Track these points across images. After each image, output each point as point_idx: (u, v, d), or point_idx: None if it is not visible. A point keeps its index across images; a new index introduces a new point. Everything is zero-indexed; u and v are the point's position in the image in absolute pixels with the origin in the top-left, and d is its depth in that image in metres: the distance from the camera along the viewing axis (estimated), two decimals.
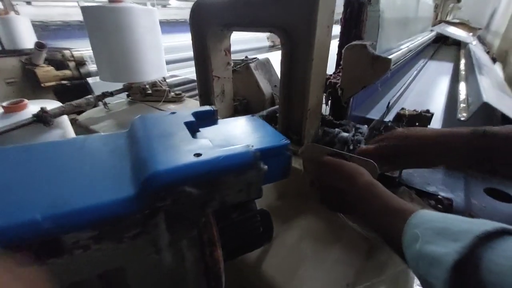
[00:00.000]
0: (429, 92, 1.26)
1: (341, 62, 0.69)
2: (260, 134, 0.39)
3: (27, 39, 2.09)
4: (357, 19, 0.76)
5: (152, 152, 0.29)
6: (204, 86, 0.84)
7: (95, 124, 1.02)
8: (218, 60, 0.80)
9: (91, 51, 1.09)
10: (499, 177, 0.59)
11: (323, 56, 0.61)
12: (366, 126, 0.74)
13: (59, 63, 1.95)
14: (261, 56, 0.98)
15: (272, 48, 3.72)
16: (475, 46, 2.27)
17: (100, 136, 0.36)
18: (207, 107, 0.42)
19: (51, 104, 0.92)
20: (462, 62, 1.71)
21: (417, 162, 0.49)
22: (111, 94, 1.13)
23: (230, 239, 0.35)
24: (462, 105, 0.84)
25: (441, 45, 2.86)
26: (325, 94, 0.74)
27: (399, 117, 0.81)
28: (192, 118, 0.38)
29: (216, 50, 0.78)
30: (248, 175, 0.30)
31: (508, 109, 0.67)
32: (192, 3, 0.75)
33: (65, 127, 0.94)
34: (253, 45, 3.39)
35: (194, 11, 0.74)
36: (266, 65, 0.97)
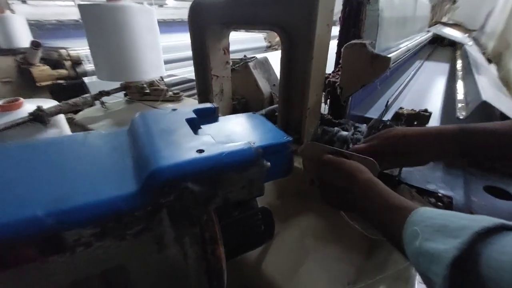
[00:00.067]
0: (427, 91, 1.26)
1: (340, 61, 0.69)
2: (262, 131, 0.39)
3: (23, 38, 2.06)
4: (356, 18, 0.76)
5: (155, 148, 0.29)
6: (202, 85, 0.84)
7: (92, 123, 1.01)
8: (217, 59, 0.80)
9: (88, 51, 1.08)
10: (498, 174, 0.59)
11: (322, 54, 0.61)
12: (365, 125, 0.74)
13: (55, 63, 1.93)
14: (258, 57, 0.98)
15: (269, 48, 3.72)
16: (471, 47, 2.29)
17: (100, 133, 0.36)
18: (208, 104, 0.42)
19: (48, 103, 0.91)
20: (459, 62, 1.73)
21: (405, 160, 0.49)
22: (108, 93, 1.12)
23: (232, 237, 0.35)
24: (461, 104, 0.84)
25: (437, 46, 2.88)
26: (324, 93, 0.74)
27: (398, 116, 0.81)
28: (193, 115, 0.37)
29: (215, 49, 0.78)
30: (250, 172, 0.29)
31: (506, 107, 0.67)
32: (189, 3, 0.74)
33: (62, 126, 0.93)
34: (250, 45, 3.39)
35: (193, 10, 0.74)
36: (264, 64, 0.97)
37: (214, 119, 0.42)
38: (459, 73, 1.39)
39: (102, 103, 1.13)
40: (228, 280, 0.34)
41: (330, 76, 0.77)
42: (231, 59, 0.87)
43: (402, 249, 0.31)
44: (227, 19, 0.69)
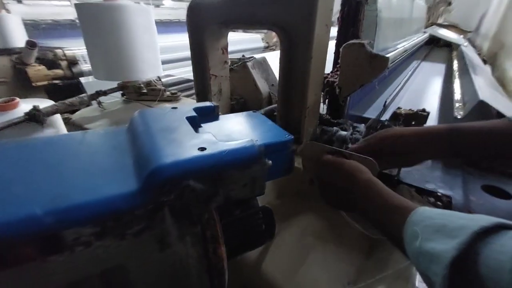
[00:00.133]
0: (424, 91, 1.27)
1: (339, 61, 0.70)
2: (263, 129, 0.39)
3: (18, 38, 2.04)
4: (354, 18, 0.77)
5: (155, 146, 0.28)
6: (201, 85, 0.83)
7: (89, 123, 1.01)
8: (215, 58, 0.79)
9: (84, 51, 1.07)
10: (496, 174, 0.60)
11: (321, 54, 0.61)
12: (363, 124, 0.74)
13: (50, 62, 1.92)
14: (256, 57, 0.98)
15: (266, 49, 3.72)
16: (466, 47, 2.31)
17: (99, 131, 0.35)
18: (208, 103, 0.42)
19: (44, 103, 0.90)
20: (455, 62, 1.74)
21: (403, 160, 0.49)
22: (105, 93, 1.11)
23: (233, 236, 0.35)
24: (458, 104, 0.85)
25: (433, 47, 2.91)
26: (322, 93, 0.75)
27: (396, 116, 0.81)
28: (193, 113, 0.37)
29: (213, 48, 0.77)
30: (252, 170, 0.29)
31: (503, 106, 0.68)
32: (186, 3, 0.74)
33: (58, 126, 0.92)
34: (248, 46, 3.39)
35: (191, 9, 0.73)
36: (263, 64, 0.97)
37: (215, 118, 0.42)
38: (456, 74, 1.40)
39: (99, 103, 1.12)
40: (228, 280, 0.33)
41: (329, 76, 0.77)
42: (230, 59, 0.87)
43: (403, 248, 0.31)
44: (225, 18, 0.69)
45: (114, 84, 1.19)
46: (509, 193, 0.54)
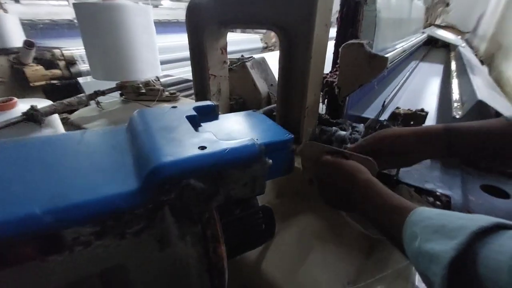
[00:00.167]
0: (422, 91, 1.28)
1: (338, 61, 0.70)
2: (263, 128, 0.38)
3: (16, 38, 2.03)
4: (353, 19, 0.77)
5: (156, 145, 0.28)
6: (200, 85, 0.83)
7: (87, 123, 1.00)
8: (215, 58, 0.79)
9: (82, 51, 1.07)
10: (494, 174, 0.60)
11: (321, 54, 0.61)
12: (362, 124, 0.74)
13: (48, 62, 1.90)
14: (255, 57, 0.98)
15: (265, 49, 3.72)
16: (464, 48, 2.32)
17: (98, 131, 0.35)
18: (207, 102, 0.42)
19: (42, 103, 0.89)
20: (453, 63, 1.75)
21: (402, 160, 0.50)
22: (103, 93, 1.10)
23: (233, 236, 0.35)
24: (456, 103, 0.85)
25: (431, 48, 2.92)
26: (321, 93, 0.75)
27: (394, 116, 0.82)
28: (193, 113, 0.37)
29: (212, 48, 0.77)
30: (253, 169, 0.29)
31: (501, 106, 0.68)
32: (185, 3, 0.74)
33: (56, 126, 0.92)
34: (247, 46, 3.39)
35: (190, 9, 0.73)
36: (262, 64, 0.97)
37: (215, 117, 0.42)
38: (454, 74, 1.41)
39: (98, 103, 1.11)
40: (228, 280, 0.33)
41: (328, 76, 0.77)
42: (229, 59, 0.87)
43: (403, 248, 0.31)
44: (224, 18, 0.69)
45: (112, 84, 1.18)
46: (507, 193, 0.55)
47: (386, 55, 0.64)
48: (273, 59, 1.01)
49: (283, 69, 0.62)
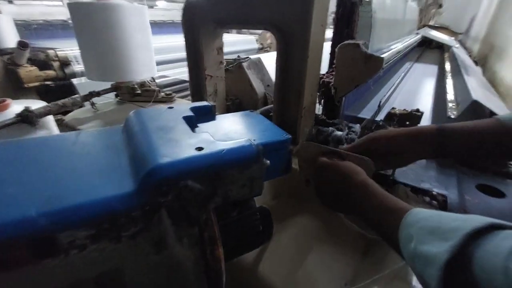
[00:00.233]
0: (417, 92, 1.29)
1: (334, 61, 0.70)
2: (260, 129, 0.38)
3: (9, 38, 2.00)
4: (349, 19, 0.77)
5: (152, 146, 0.28)
6: (196, 85, 0.83)
7: (82, 124, 0.99)
8: (211, 59, 0.79)
9: (76, 51, 1.05)
10: (489, 173, 0.60)
11: (317, 54, 0.61)
12: (358, 125, 0.74)
13: (42, 63, 1.88)
14: (251, 57, 0.98)
15: (260, 50, 3.72)
16: (458, 49, 2.35)
17: (94, 131, 0.35)
18: (204, 103, 0.41)
19: (36, 104, 0.88)
20: (448, 64, 1.77)
21: (399, 160, 0.50)
22: (98, 94, 1.09)
23: (231, 238, 0.34)
24: (451, 104, 0.86)
25: (425, 49, 2.94)
26: (318, 93, 0.75)
27: (390, 116, 0.82)
28: (190, 113, 0.36)
29: (208, 48, 0.77)
30: (251, 170, 0.29)
31: (495, 106, 0.69)
32: (180, 4, 0.74)
33: (51, 128, 0.91)
34: (242, 47, 3.38)
35: (186, 9, 0.73)
36: (258, 64, 0.97)
37: (211, 117, 0.41)
38: (448, 74, 1.42)
39: (92, 104, 1.10)
40: (226, 282, 0.33)
41: (324, 77, 0.77)
42: (225, 59, 0.87)
43: (399, 250, 0.31)
44: (221, 18, 0.69)
45: (107, 85, 1.17)
46: (503, 192, 0.55)
47: (382, 56, 0.64)
48: (269, 60, 1.01)
49: (280, 69, 0.62)
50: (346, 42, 0.66)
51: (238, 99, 0.94)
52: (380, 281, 0.46)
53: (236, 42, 3.42)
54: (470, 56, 2.47)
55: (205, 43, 0.75)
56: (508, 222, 0.25)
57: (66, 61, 1.94)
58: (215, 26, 0.72)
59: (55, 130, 0.93)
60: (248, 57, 0.94)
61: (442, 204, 0.53)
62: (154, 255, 0.27)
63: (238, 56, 0.94)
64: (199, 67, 0.78)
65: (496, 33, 2.43)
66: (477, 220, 0.25)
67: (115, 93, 1.21)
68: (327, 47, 0.69)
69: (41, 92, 1.88)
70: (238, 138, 0.31)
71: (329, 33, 0.71)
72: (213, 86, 0.83)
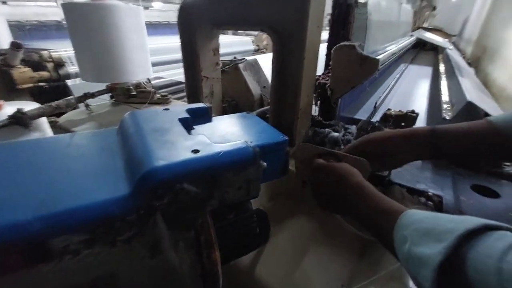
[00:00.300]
0: (412, 93, 1.30)
1: (330, 62, 0.70)
2: (257, 130, 0.38)
3: (3, 39, 1.98)
4: (345, 21, 0.77)
5: (147, 148, 0.27)
6: (192, 87, 0.82)
7: (76, 126, 0.98)
8: (207, 60, 0.79)
9: (71, 52, 1.04)
10: (484, 174, 0.61)
11: (313, 55, 0.61)
12: (354, 126, 0.75)
13: (36, 64, 1.86)
14: (247, 59, 0.98)
15: (256, 51, 3.73)
16: (452, 51, 2.38)
17: (88, 133, 0.34)
18: (200, 104, 0.41)
19: (29, 106, 0.87)
20: (442, 65, 1.78)
21: (395, 161, 0.50)
22: (93, 95, 1.08)
23: (227, 240, 0.34)
24: (446, 105, 0.87)
25: (420, 51, 2.97)
26: (314, 94, 0.75)
27: (386, 118, 0.82)
28: (186, 115, 0.36)
29: (205, 49, 0.77)
30: (247, 172, 0.29)
31: (489, 107, 0.69)
32: (176, 5, 0.73)
33: (44, 130, 0.90)
34: (238, 49, 3.39)
35: (182, 10, 0.73)
36: (254, 66, 0.97)
37: (208, 119, 0.41)
38: (443, 76, 1.43)
39: (87, 105, 1.09)
40: (222, 286, 0.33)
41: (320, 78, 0.77)
42: (221, 60, 0.86)
43: (395, 251, 0.31)
44: (217, 19, 0.69)
45: (102, 86, 1.16)
46: (497, 193, 0.55)
47: (377, 57, 0.64)
48: (265, 61, 1.01)
49: (276, 70, 0.62)
50: (342, 43, 0.67)
51: (235, 101, 0.94)
52: (376, 282, 0.46)
53: (232, 43, 3.42)
54: (464, 57, 2.50)
55: (201, 44, 0.75)
56: (502, 223, 0.25)
57: (60, 62, 1.92)
58: (211, 27, 0.72)
59: (48, 132, 0.92)
60: (244, 59, 0.94)
61: (438, 204, 0.53)
62: (149, 259, 0.27)
63: (234, 58, 0.94)
64: (195, 68, 0.78)
65: (488, 35, 2.46)
66: (470, 222, 0.25)
67: (110, 94, 1.20)
68: (323, 48, 0.69)
69: (35, 94, 1.86)
70: (234, 140, 0.31)
71: (325, 34, 0.72)
72: (209, 88, 0.83)
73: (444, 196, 0.54)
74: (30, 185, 0.24)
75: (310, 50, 0.58)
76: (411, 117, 0.80)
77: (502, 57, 1.98)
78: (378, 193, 0.39)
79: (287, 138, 0.37)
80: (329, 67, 0.72)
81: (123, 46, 1.01)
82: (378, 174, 0.58)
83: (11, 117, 0.78)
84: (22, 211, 0.21)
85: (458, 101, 0.81)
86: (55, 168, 0.27)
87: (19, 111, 0.79)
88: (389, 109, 0.83)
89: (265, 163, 0.30)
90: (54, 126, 1.00)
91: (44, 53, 1.87)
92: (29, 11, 3.34)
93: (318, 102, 0.80)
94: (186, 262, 0.29)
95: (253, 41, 3.76)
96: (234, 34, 4.17)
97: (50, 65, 1.89)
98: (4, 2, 3.37)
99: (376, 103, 0.97)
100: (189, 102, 0.87)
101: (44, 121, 0.91)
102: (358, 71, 0.66)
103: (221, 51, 0.82)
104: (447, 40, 3.27)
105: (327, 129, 0.70)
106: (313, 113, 0.76)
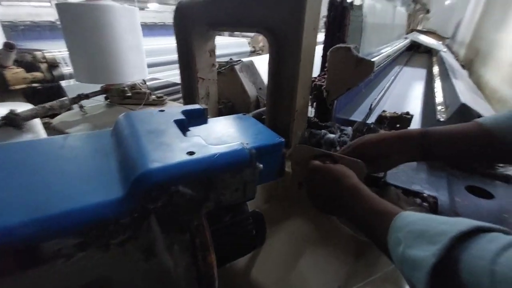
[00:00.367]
0: (407, 95, 1.31)
1: (326, 64, 0.70)
2: (253, 132, 0.38)
3: None
4: (340, 23, 0.78)
5: (143, 150, 0.27)
6: (188, 88, 0.82)
7: (70, 128, 0.97)
8: (203, 61, 0.78)
9: (65, 53, 1.03)
10: (478, 175, 0.61)
11: (309, 57, 0.61)
12: (350, 127, 0.75)
13: (29, 65, 1.84)
14: (244, 60, 0.98)
15: (253, 53, 3.74)
16: (445, 53, 2.40)
17: (82, 135, 0.34)
18: (196, 106, 0.41)
19: (22, 107, 0.86)
20: (436, 68, 1.80)
21: (390, 162, 0.50)
22: (87, 96, 1.07)
23: (223, 243, 0.34)
24: (440, 107, 0.87)
25: (414, 53, 3.00)
26: (310, 96, 0.75)
27: (381, 119, 0.83)
28: (182, 116, 0.36)
29: (201, 51, 0.76)
30: (244, 174, 0.28)
31: (482, 109, 0.70)
32: (172, 6, 0.73)
33: (38, 131, 0.88)
34: (235, 50, 3.39)
35: (178, 11, 0.72)
36: (250, 67, 0.97)
37: (203, 121, 0.41)
38: (437, 78, 1.45)
39: (81, 106, 1.08)
40: None
41: (316, 80, 0.77)
42: (217, 62, 0.86)
43: (389, 253, 0.31)
44: (213, 20, 0.68)
45: (97, 87, 1.15)
46: (491, 194, 0.56)
47: (372, 59, 0.65)
48: (261, 63, 1.01)
49: (272, 72, 0.62)
50: (337, 45, 0.67)
51: (231, 102, 0.94)
52: (373, 284, 0.46)
53: (228, 44, 3.42)
54: (457, 60, 2.53)
55: (197, 45, 0.74)
56: (495, 225, 0.25)
57: (54, 63, 1.90)
58: (208, 28, 0.72)
59: (42, 133, 0.91)
60: (240, 60, 0.94)
61: (433, 205, 0.53)
62: (143, 262, 0.26)
63: (231, 59, 0.94)
64: (191, 69, 0.77)
65: (481, 38, 2.49)
66: (463, 224, 0.25)
67: (104, 95, 1.19)
68: (319, 50, 0.70)
69: (28, 95, 1.83)
70: (230, 142, 0.31)
71: (320, 36, 0.72)
72: (205, 89, 0.82)
73: (439, 197, 0.54)
74: (22, 188, 0.24)
75: (306, 52, 0.58)
76: (406, 118, 0.80)
77: (494, 59, 2.01)
78: (373, 195, 0.39)
79: (283, 139, 0.37)
80: (325, 69, 0.72)
81: (118, 47, 1.00)
82: (374, 175, 0.58)
83: (4, 118, 0.77)
84: (13, 214, 0.20)
85: (452, 103, 0.82)
86: (48, 170, 0.27)
87: (12, 112, 0.78)
88: (384, 111, 0.84)
89: (261, 165, 0.30)
90: (47, 127, 0.98)
91: (38, 53, 1.85)
92: (23, 11, 3.31)
93: (314, 103, 0.80)
94: (181, 265, 0.29)
95: (249, 43, 3.76)
96: (230, 35, 4.18)
97: (43, 66, 1.86)
98: None
99: (371, 104, 0.98)
100: (185, 103, 0.87)
101: (37, 122, 0.90)
102: (354, 73, 0.66)
103: (217, 52, 0.82)
104: (440, 42, 3.31)
105: (323, 131, 0.70)
106: (309, 114, 0.76)
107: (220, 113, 0.92)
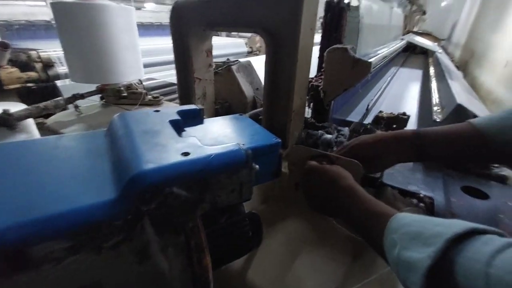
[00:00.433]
0: (403, 96, 1.31)
1: (323, 65, 0.70)
2: (250, 132, 0.38)
3: None
4: (337, 24, 0.78)
5: (136, 151, 0.26)
6: (184, 88, 0.81)
7: (65, 128, 0.96)
8: (200, 61, 0.78)
9: (60, 53, 1.02)
10: (473, 175, 0.62)
11: (306, 58, 0.61)
12: (347, 128, 0.75)
13: (24, 64, 1.82)
14: (241, 60, 0.97)
15: (250, 54, 3.74)
16: (441, 54, 2.42)
17: (76, 135, 0.33)
18: (192, 106, 0.40)
19: (16, 107, 0.85)
20: (432, 69, 1.82)
21: (387, 163, 0.51)
22: (82, 96, 1.06)
23: (219, 245, 0.33)
24: (436, 107, 0.88)
25: (410, 54, 3.02)
26: (307, 97, 0.75)
27: (378, 120, 0.83)
28: (177, 117, 0.35)
29: (197, 51, 0.76)
30: (240, 175, 0.28)
31: (477, 109, 0.70)
32: (168, 6, 0.73)
33: (31, 131, 0.87)
34: (232, 51, 3.39)
35: (175, 10, 0.72)
36: (247, 67, 0.97)
37: (199, 121, 0.40)
38: (433, 79, 1.46)
39: (76, 106, 1.07)
40: None
41: (313, 80, 0.77)
42: (214, 62, 0.86)
43: (385, 255, 0.31)
44: (210, 20, 0.68)
45: (92, 87, 1.14)
46: (486, 194, 0.56)
47: (369, 60, 0.65)
48: (258, 63, 1.01)
49: (269, 73, 0.62)
50: (334, 46, 0.67)
51: (227, 103, 0.93)
52: (370, 285, 0.46)
53: (225, 45, 3.42)
54: (452, 61, 2.55)
55: (194, 45, 0.74)
56: (490, 227, 0.25)
57: (49, 62, 1.89)
58: (204, 28, 0.71)
59: (36, 134, 0.90)
60: (237, 60, 0.94)
61: (429, 206, 0.53)
62: (137, 265, 0.26)
63: (228, 59, 0.94)
64: (188, 69, 0.77)
65: (476, 40, 2.52)
66: (458, 226, 0.25)
67: (100, 95, 1.18)
68: (315, 51, 0.70)
69: (23, 95, 1.82)
70: (226, 142, 0.30)
71: (317, 37, 0.72)
72: (201, 89, 0.82)
73: (435, 198, 0.55)
74: (11, 189, 0.23)
75: (303, 53, 0.58)
76: (402, 119, 0.80)
77: (489, 61, 2.02)
78: (369, 196, 0.39)
79: (280, 140, 0.36)
80: (322, 70, 0.72)
81: (113, 47, 0.99)
82: (371, 176, 0.58)
83: None
84: (0, 216, 0.20)
85: (448, 104, 0.82)
86: (40, 171, 0.26)
87: (5, 112, 0.77)
88: (381, 111, 0.84)
89: (257, 166, 0.30)
90: (41, 127, 0.97)
91: (33, 53, 1.84)
92: (18, 11, 3.27)
93: (311, 104, 0.80)
94: (176, 268, 0.28)
95: (246, 43, 3.76)
96: (227, 35, 4.17)
97: (38, 66, 1.85)
98: None
99: (368, 105, 0.98)
100: (181, 103, 0.86)
101: (31, 122, 0.89)
102: (351, 73, 0.66)
103: (214, 53, 0.82)
104: (436, 44, 3.34)
105: (320, 131, 0.70)
106: (306, 115, 0.76)
107: (216, 113, 0.91)
